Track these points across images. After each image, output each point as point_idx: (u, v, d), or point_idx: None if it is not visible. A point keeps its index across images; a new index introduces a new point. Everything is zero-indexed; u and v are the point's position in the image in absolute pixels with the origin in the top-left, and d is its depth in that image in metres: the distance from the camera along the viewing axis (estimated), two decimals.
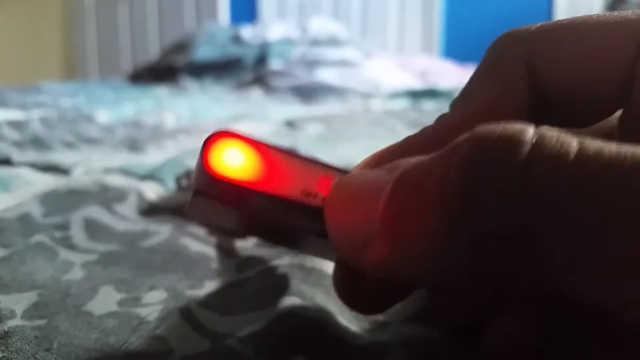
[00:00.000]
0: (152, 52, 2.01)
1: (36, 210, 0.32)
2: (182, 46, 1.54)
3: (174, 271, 0.24)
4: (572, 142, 0.10)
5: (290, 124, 0.73)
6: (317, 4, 1.99)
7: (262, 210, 0.15)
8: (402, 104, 1.02)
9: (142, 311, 0.21)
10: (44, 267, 0.24)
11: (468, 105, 0.16)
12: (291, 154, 0.15)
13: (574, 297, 0.10)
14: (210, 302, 0.21)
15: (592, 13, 0.15)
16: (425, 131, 0.16)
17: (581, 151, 0.10)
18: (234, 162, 0.14)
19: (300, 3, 1.99)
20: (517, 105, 0.15)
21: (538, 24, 0.16)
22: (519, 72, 0.15)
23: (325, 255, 0.20)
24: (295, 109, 0.93)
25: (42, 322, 0.19)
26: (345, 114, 0.86)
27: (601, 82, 0.15)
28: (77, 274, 0.24)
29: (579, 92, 0.15)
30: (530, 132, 0.10)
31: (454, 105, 0.16)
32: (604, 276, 0.09)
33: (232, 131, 0.14)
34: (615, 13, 0.15)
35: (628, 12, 0.14)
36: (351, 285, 0.17)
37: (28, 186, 0.37)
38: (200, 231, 0.29)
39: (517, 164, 0.10)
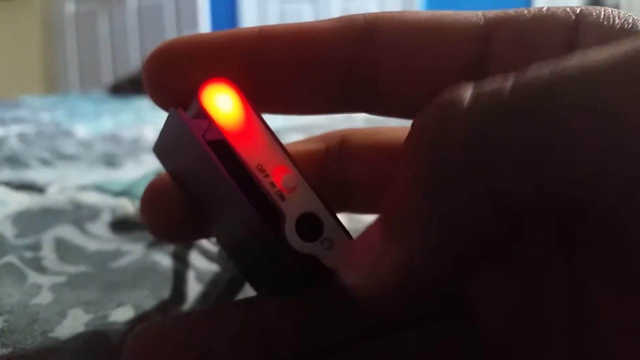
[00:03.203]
0: (134, 62, 2.00)
1: (8, 232, 0.31)
2: None
3: (141, 288, 0.24)
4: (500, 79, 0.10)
5: None
6: (298, 13, 1.99)
7: (219, 159, 0.15)
8: None
9: (109, 329, 0.20)
10: (11, 291, 0.24)
11: None
12: (268, 128, 0.16)
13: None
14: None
15: None
16: None
17: (517, 80, 0.10)
18: (222, 106, 0.15)
19: (281, 12, 2.00)
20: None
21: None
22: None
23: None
24: (276, 120, 0.93)
25: (6, 351, 0.19)
26: (327, 123, 0.86)
27: (446, 64, 0.15)
28: (45, 297, 0.23)
29: (416, 79, 0.16)
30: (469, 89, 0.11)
31: None
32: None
33: (234, 83, 0.16)
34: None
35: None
36: None
37: (2, 206, 0.36)
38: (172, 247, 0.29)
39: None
